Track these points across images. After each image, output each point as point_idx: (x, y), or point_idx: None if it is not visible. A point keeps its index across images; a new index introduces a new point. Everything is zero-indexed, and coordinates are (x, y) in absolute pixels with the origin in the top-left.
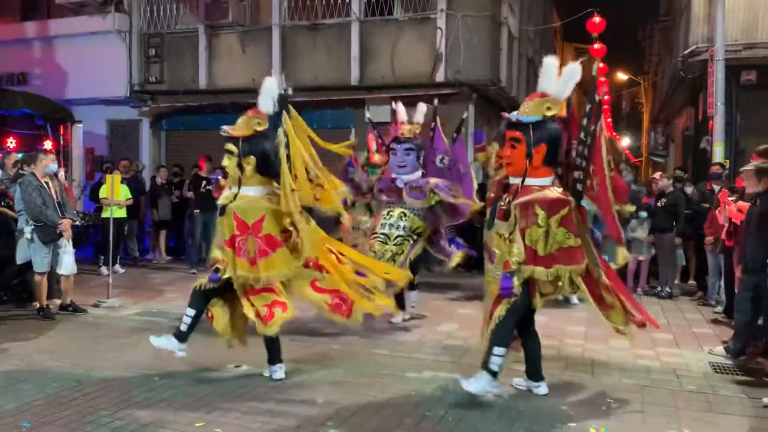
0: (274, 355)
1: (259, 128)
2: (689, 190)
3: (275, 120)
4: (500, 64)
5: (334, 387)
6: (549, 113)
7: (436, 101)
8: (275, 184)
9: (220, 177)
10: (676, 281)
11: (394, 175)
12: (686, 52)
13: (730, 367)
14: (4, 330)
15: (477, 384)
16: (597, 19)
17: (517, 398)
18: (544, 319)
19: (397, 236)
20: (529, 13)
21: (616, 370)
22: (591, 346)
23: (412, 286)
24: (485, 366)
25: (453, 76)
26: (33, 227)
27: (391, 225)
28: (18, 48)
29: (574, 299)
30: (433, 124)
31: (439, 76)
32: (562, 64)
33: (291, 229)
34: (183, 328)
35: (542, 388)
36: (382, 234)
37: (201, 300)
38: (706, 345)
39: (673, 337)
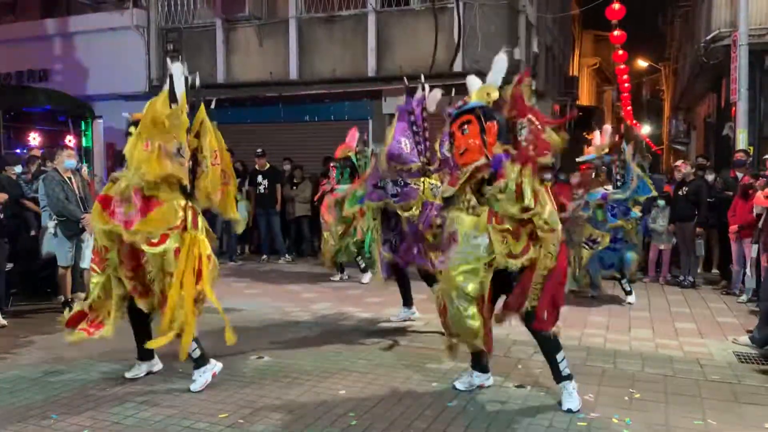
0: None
1: None
2: (710, 177)
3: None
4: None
5: (355, 378)
6: (489, 98)
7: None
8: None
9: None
10: (698, 270)
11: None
12: (708, 37)
13: (755, 357)
14: (31, 324)
15: (572, 401)
16: (616, 5)
17: (539, 389)
18: (565, 310)
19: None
20: (547, 0)
21: (638, 360)
22: (613, 336)
23: None
24: (561, 378)
25: (470, 66)
26: (56, 222)
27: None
28: (38, 45)
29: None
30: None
31: (457, 66)
32: (581, 52)
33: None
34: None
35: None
36: None
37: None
38: (730, 334)
39: (696, 326)
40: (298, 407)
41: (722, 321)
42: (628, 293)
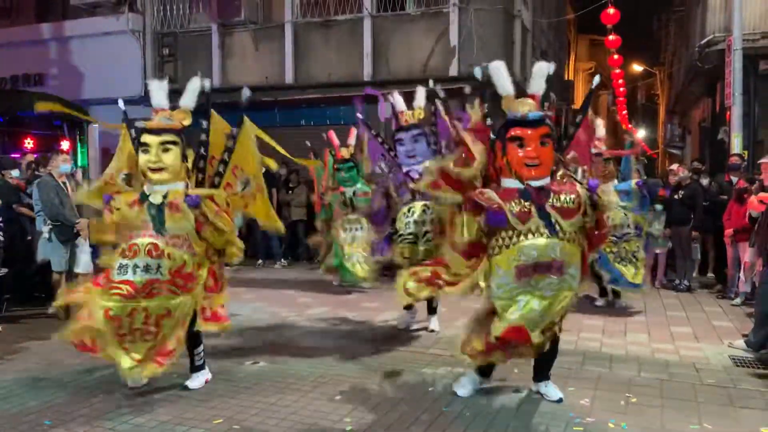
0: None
1: (186, 123)
2: (705, 182)
3: (199, 117)
4: (513, 58)
5: (351, 383)
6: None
7: (436, 87)
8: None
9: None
10: (694, 274)
11: (406, 169)
12: (703, 42)
13: (750, 361)
14: (25, 329)
15: (556, 391)
16: (611, 10)
17: (536, 393)
18: None
19: (426, 232)
20: (542, 5)
21: (634, 364)
22: (608, 340)
23: (432, 309)
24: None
25: (466, 71)
26: (51, 227)
27: (415, 222)
28: (34, 49)
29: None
30: (433, 108)
31: (452, 71)
32: (577, 56)
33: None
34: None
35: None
36: (410, 234)
37: None
38: (726, 338)
39: (692, 330)
40: (294, 413)
41: (718, 325)
42: (617, 296)
